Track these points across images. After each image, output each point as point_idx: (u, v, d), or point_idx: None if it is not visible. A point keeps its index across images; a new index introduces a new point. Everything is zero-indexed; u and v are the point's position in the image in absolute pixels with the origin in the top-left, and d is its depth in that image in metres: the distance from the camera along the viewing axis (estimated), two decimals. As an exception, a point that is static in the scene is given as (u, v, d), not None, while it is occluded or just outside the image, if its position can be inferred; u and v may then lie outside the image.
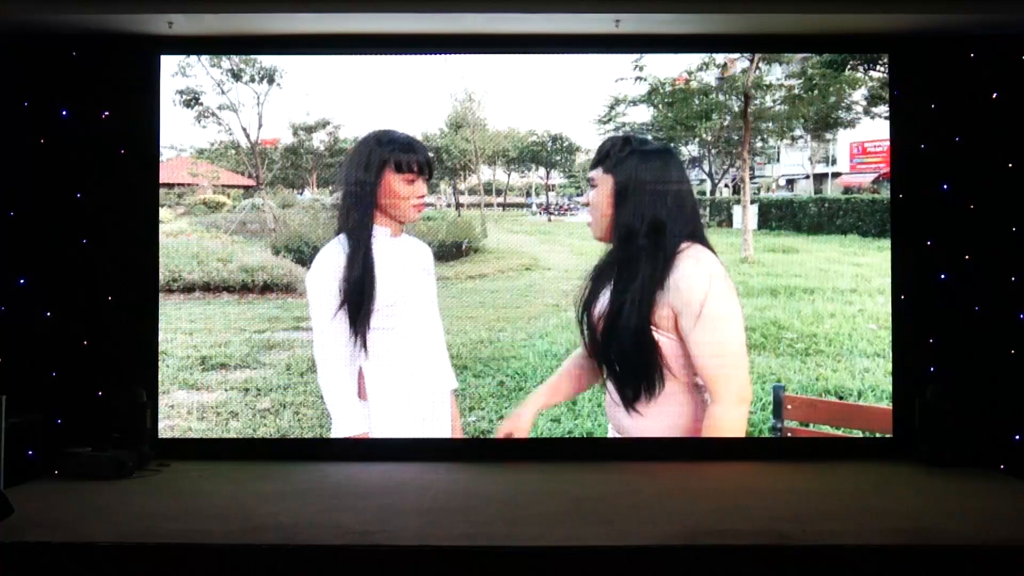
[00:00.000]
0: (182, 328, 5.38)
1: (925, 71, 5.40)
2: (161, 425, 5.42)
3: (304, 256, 5.21)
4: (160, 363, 5.39)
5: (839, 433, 5.43)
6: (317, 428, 5.36)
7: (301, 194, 5.53)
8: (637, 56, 5.45)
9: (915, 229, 5.43)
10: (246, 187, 5.58)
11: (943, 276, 5.38)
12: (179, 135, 5.53)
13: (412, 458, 5.30)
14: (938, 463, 5.09)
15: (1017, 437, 5.11)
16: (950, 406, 5.17)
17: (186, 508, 4.24)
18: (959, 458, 5.10)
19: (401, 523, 3.98)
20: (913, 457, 5.23)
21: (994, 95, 5.33)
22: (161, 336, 5.41)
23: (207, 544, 3.69)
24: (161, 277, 5.41)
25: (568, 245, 5.62)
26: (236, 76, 5.19)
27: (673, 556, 3.60)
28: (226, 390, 5.17)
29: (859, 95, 5.62)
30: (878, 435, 5.40)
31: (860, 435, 5.41)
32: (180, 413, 5.44)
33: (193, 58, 5.49)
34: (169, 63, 5.51)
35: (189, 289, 5.26)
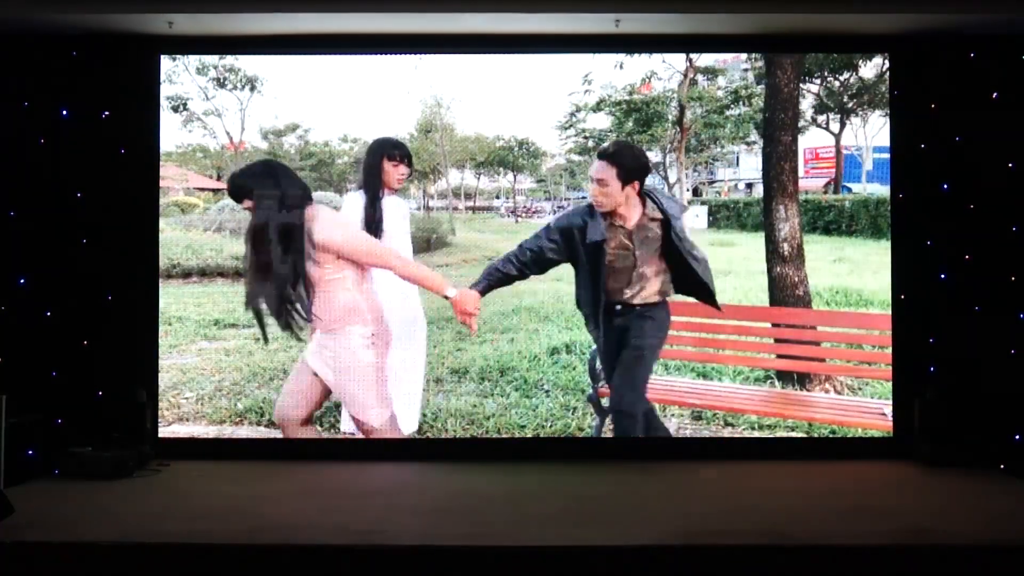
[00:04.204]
0: (190, 302, 5.68)
1: (925, 71, 5.40)
2: (161, 425, 5.43)
3: None
4: (179, 325, 5.61)
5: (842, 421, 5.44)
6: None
7: None
8: (587, 71, 5.68)
9: (915, 229, 5.42)
10: (215, 190, 6.02)
11: (943, 276, 5.38)
12: (166, 139, 5.58)
13: (412, 458, 5.32)
14: (938, 463, 5.09)
15: (1017, 437, 5.11)
16: (950, 406, 5.17)
17: (186, 508, 4.25)
18: (959, 458, 5.10)
19: (401, 523, 3.98)
20: (913, 457, 5.23)
21: (994, 95, 5.33)
22: (173, 308, 5.59)
23: (207, 544, 3.69)
24: (161, 264, 5.52)
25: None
26: (221, 84, 5.70)
27: (673, 556, 3.60)
28: (239, 345, 5.63)
29: (806, 104, 5.72)
30: (877, 435, 5.41)
31: (859, 435, 5.41)
32: (180, 414, 5.47)
33: (180, 66, 5.60)
34: (168, 64, 5.54)
35: (187, 275, 5.72)
